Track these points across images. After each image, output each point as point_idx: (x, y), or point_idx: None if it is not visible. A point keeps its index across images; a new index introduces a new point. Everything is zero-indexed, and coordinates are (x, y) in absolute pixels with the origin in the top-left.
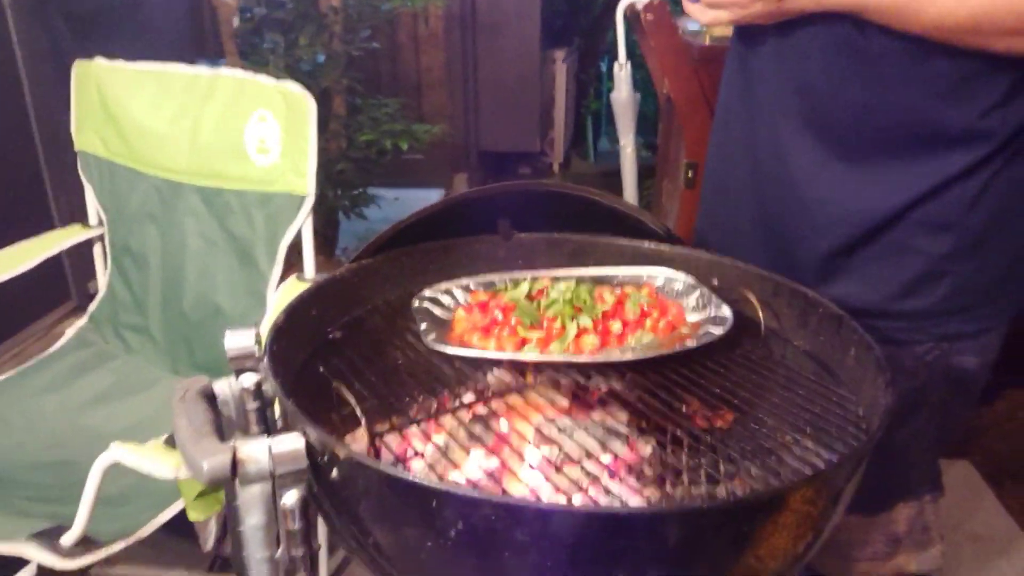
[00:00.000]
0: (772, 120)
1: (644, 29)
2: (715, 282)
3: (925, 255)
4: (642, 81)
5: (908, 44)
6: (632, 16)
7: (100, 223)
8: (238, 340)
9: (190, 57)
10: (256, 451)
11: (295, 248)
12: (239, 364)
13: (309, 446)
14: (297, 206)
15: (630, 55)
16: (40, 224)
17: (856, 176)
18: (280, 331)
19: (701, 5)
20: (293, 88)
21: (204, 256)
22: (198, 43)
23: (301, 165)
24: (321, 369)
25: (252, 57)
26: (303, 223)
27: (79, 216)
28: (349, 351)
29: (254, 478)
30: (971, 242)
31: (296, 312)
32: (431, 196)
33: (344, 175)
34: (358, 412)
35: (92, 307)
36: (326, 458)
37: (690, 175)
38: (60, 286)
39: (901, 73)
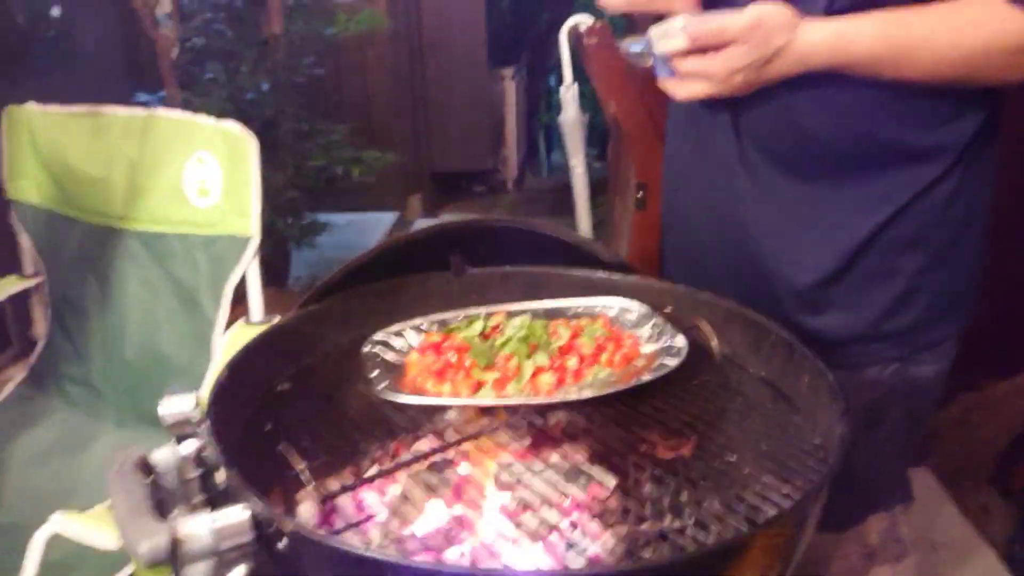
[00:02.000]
0: (729, 164)
1: (587, 51)
2: (668, 310)
3: (903, 274)
4: (591, 100)
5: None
6: (576, 37)
7: (36, 273)
8: (176, 405)
9: (128, 89)
10: (197, 528)
11: (243, 289)
12: (179, 430)
13: (255, 518)
14: (242, 248)
15: (578, 74)
16: None
17: (828, 206)
18: (223, 389)
19: (675, 80)
20: (233, 128)
21: (146, 303)
22: (136, 75)
23: (244, 206)
24: (268, 427)
25: (193, 88)
26: (248, 265)
27: (16, 266)
28: (298, 403)
29: (196, 556)
30: (941, 254)
31: (240, 366)
32: (385, 219)
33: (293, 203)
34: (304, 478)
35: (32, 360)
36: (273, 530)
37: (640, 195)
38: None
39: (856, 99)
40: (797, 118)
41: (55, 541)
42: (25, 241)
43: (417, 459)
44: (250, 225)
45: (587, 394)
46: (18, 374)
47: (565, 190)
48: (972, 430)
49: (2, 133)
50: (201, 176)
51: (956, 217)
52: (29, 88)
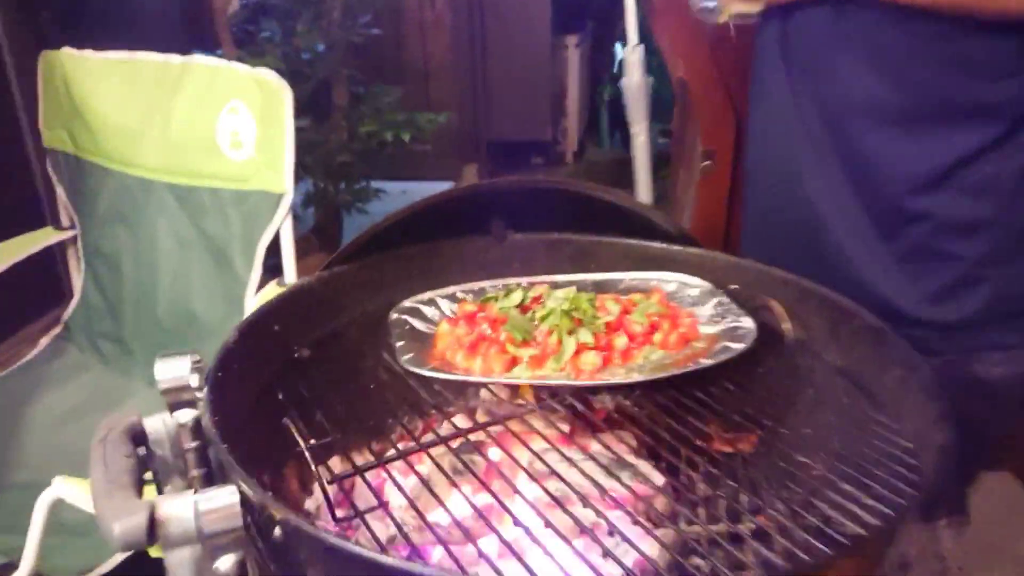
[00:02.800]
0: (789, 129)
1: (655, 7)
2: (734, 287)
3: (959, 260)
4: (656, 66)
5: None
6: None
7: (72, 225)
8: (171, 369)
9: (185, 48)
10: (179, 509)
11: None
12: (174, 397)
13: (245, 501)
14: (274, 205)
15: (643, 38)
16: (35, 224)
17: (882, 178)
18: (229, 354)
19: None
20: (268, 76)
21: (178, 259)
22: (192, 33)
23: (277, 161)
24: (280, 396)
25: (249, 47)
26: (282, 223)
27: (55, 218)
28: (317, 373)
29: (179, 541)
30: (1010, 243)
31: (253, 329)
32: (439, 189)
33: (346, 168)
34: (307, 457)
35: (66, 314)
36: (265, 516)
37: (706, 164)
38: (56, 288)
39: (907, 52)
40: (851, 77)
41: (66, 504)
42: (60, 192)
43: (441, 440)
44: (283, 181)
45: (636, 378)
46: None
47: (625, 164)
48: None
49: (39, 80)
50: (234, 127)
51: None
52: (87, 40)
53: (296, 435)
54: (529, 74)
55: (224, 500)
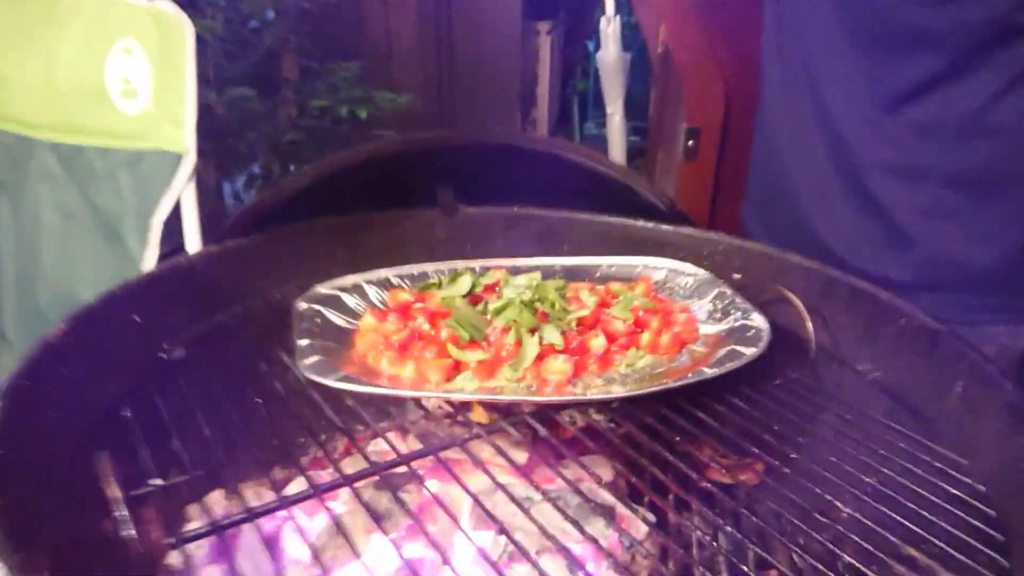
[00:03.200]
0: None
1: None
2: (738, 277)
3: (898, 211)
4: (635, 50)
5: None
6: None
7: None
8: None
9: None
10: None
11: None
12: None
13: None
14: (173, 167)
15: (619, 10)
16: None
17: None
18: (49, 356)
19: None
20: (166, 8)
21: (62, 234)
22: None
23: (177, 113)
24: (127, 413)
25: (188, 11)
26: (183, 191)
27: None
28: (197, 379)
29: None
30: (947, 198)
31: (97, 319)
32: None
33: (295, 148)
34: (118, 518)
35: None
36: None
37: (691, 144)
38: None
39: None
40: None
41: None
42: None
43: (345, 482)
44: (183, 138)
45: (618, 392)
46: None
47: None
48: None
49: None
50: (127, 72)
51: None
52: None
53: (108, 483)
54: (499, 57)
55: None
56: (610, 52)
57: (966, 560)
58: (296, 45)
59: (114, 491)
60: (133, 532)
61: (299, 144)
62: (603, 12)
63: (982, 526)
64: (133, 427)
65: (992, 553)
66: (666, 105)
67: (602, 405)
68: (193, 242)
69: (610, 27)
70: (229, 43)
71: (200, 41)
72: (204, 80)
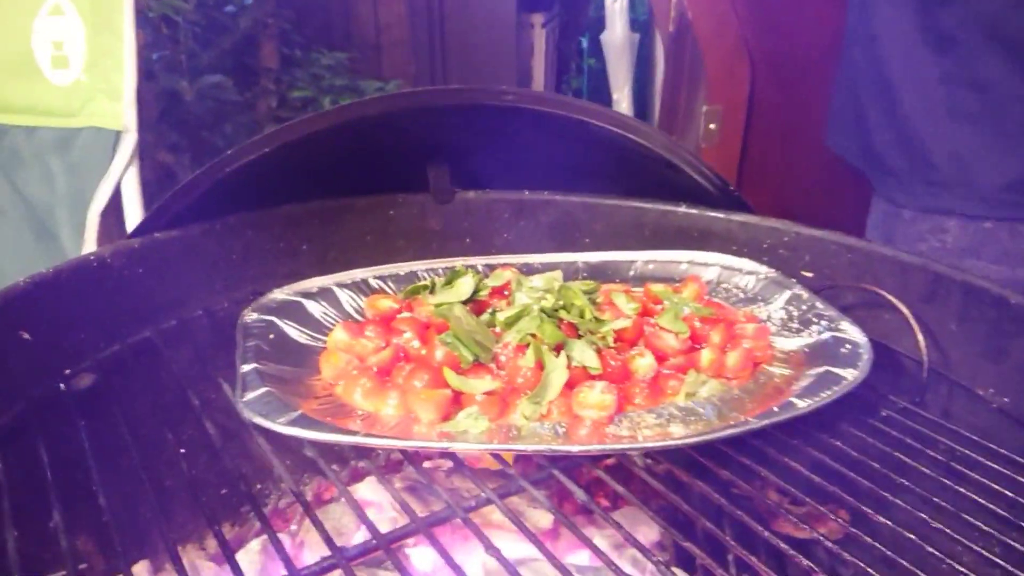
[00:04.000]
0: None
1: None
2: (808, 275)
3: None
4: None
5: None
6: None
7: None
8: None
9: None
10: None
11: None
12: None
13: None
14: (110, 148)
15: None
16: None
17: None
18: None
19: None
20: None
21: None
22: None
23: (115, 83)
24: None
25: None
26: (121, 174)
27: None
28: (92, 423)
29: None
30: None
31: None
32: None
33: None
34: None
35: None
36: None
37: (712, 127)
38: None
39: None
40: None
41: None
42: None
43: (329, 564)
44: (122, 113)
45: (679, 434)
46: None
47: None
48: None
49: None
50: (57, 35)
51: None
52: None
53: None
54: (492, 51)
55: None
56: (617, 32)
57: None
58: (276, 31)
59: None
60: None
61: None
62: (596, 11)
63: None
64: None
65: None
66: (679, 87)
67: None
68: (132, 225)
69: (616, 3)
70: (202, 27)
71: (170, 24)
72: (175, 67)
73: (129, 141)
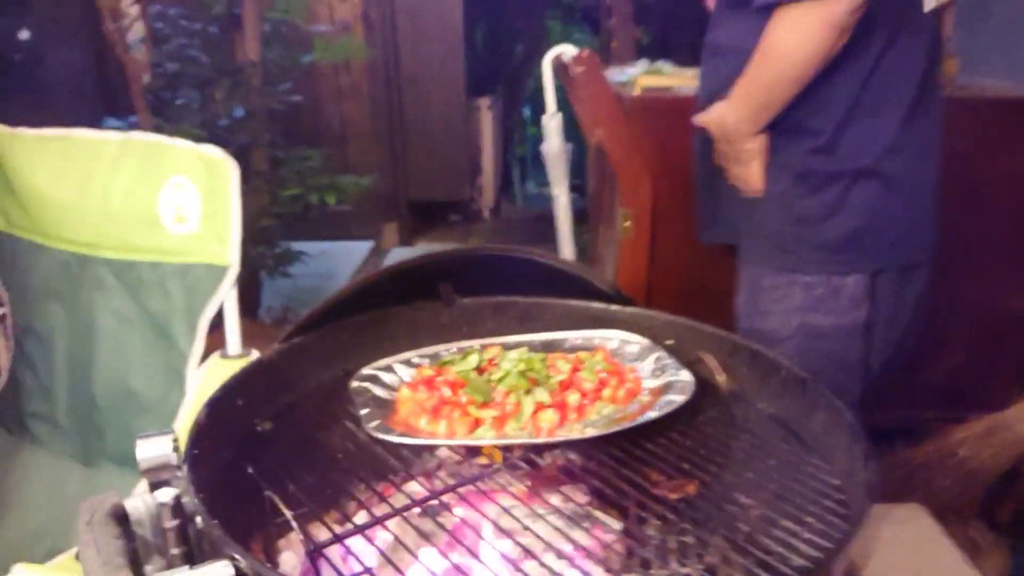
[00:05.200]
0: None
1: (573, 80)
2: (671, 343)
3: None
4: (571, 130)
5: None
6: (559, 67)
7: (0, 303)
8: (152, 448)
9: (98, 115)
10: None
11: (218, 320)
12: (154, 476)
13: (240, 574)
14: (218, 277)
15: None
16: None
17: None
18: (201, 431)
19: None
20: (213, 152)
21: (116, 335)
22: (106, 101)
23: (223, 233)
24: (250, 469)
25: (165, 114)
26: (226, 295)
27: None
28: (280, 445)
29: None
30: None
31: (219, 405)
32: (360, 248)
33: (267, 232)
34: (294, 527)
35: None
36: None
37: (626, 225)
38: None
39: None
40: None
41: None
42: None
43: (410, 505)
44: (228, 254)
45: (591, 433)
46: None
47: (540, 219)
48: (960, 464)
49: None
50: (178, 202)
51: None
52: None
53: (282, 507)
54: (445, 135)
55: (219, 574)
56: (554, 144)
57: (828, 530)
58: (266, 139)
59: (287, 512)
60: (302, 536)
61: (270, 229)
62: (535, 83)
63: (836, 507)
64: (255, 476)
65: (842, 524)
66: (603, 188)
67: (579, 444)
68: (233, 335)
69: (552, 122)
70: (205, 142)
71: None
72: None
73: (232, 273)
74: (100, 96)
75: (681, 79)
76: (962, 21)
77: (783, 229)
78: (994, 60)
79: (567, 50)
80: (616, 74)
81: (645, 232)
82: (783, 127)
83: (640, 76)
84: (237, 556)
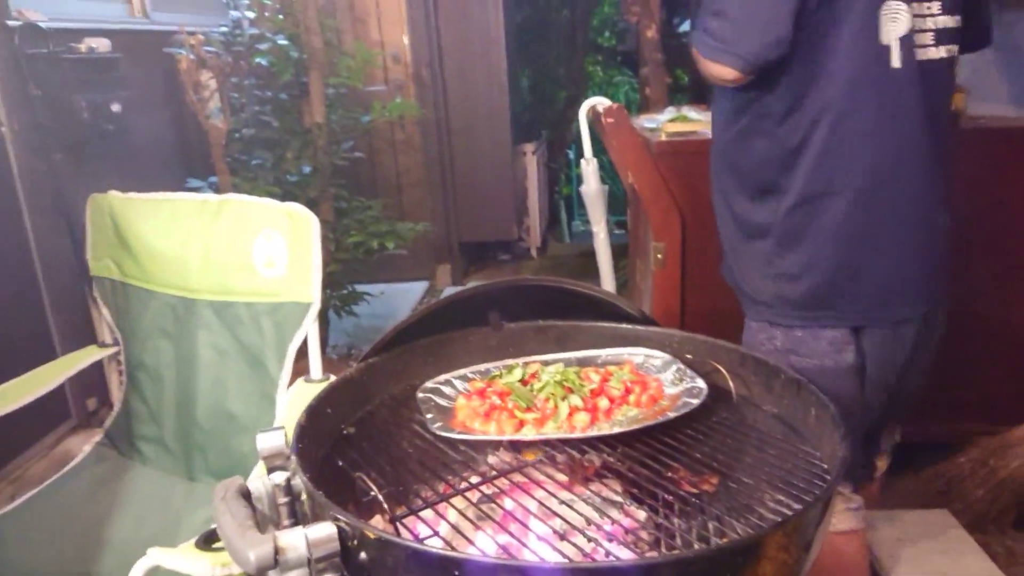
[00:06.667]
0: None
1: (606, 130)
2: (688, 357)
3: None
4: (609, 170)
5: None
6: (594, 116)
7: (115, 342)
8: (270, 440)
9: (181, 177)
10: (294, 539)
11: (299, 351)
12: (270, 463)
13: (340, 531)
14: (304, 313)
15: (596, 148)
16: (39, 348)
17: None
18: (304, 431)
19: None
20: (298, 209)
21: (216, 366)
22: (187, 163)
23: (306, 276)
24: (340, 463)
25: (242, 173)
26: (309, 328)
27: (79, 338)
28: (363, 444)
29: (294, 564)
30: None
31: (315, 412)
32: (416, 288)
33: (334, 276)
34: (380, 497)
35: (108, 422)
36: (356, 541)
37: (659, 256)
38: (59, 405)
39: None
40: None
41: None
42: (105, 313)
43: (469, 488)
44: (311, 292)
45: (617, 430)
46: (76, 444)
47: (586, 255)
48: (992, 473)
49: (87, 218)
50: (268, 251)
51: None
52: (92, 177)
53: (371, 485)
54: (493, 180)
55: (326, 531)
56: (591, 186)
57: (808, 492)
58: (331, 193)
59: (375, 490)
60: (387, 507)
61: (335, 273)
62: (578, 127)
63: (820, 482)
64: (344, 467)
65: (818, 492)
66: (639, 223)
67: (611, 443)
68: (316, 361)
69: (589, 166)
70: (279, 197)
71: None
72: None
73: (315, 308)
74: (182, 159)
75: (706, 123)
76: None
77: (762, 283)
78: (998, 90)
79: (600, 101)
80: (647, 121)
81: (676, 263)
82: (753, 188)
83: (666, 123)
84: (339, 516)
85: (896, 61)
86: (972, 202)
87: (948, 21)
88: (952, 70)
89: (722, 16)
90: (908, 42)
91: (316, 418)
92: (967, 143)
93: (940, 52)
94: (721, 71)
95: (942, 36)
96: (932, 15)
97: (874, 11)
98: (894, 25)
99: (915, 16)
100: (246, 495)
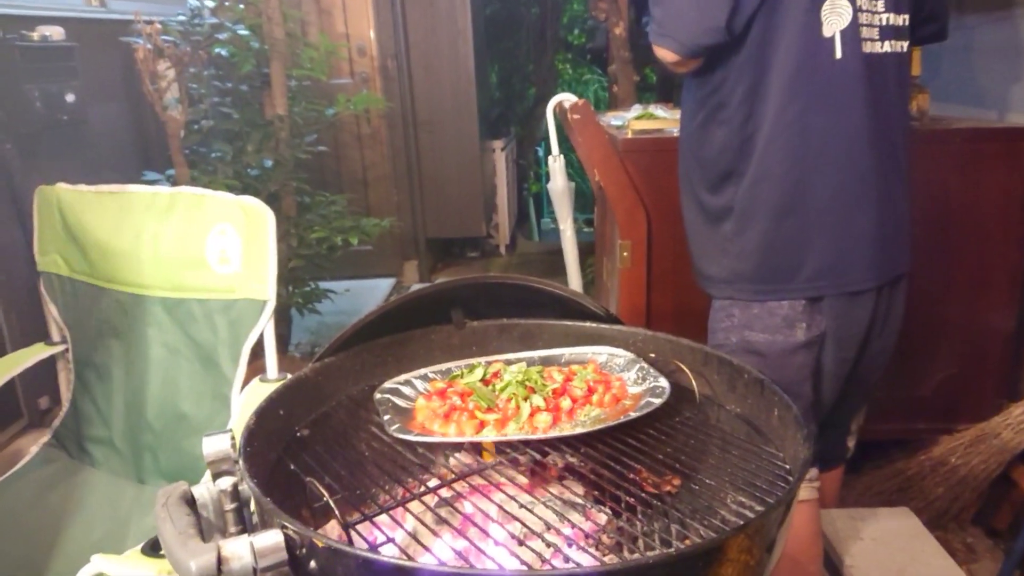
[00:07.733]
0: None
1: (572, 126)
2: (652, 356)
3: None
4: (577, 168)
5: None
6: (561, 113)
7: (63, 340)
8: (215, 444)
9: (137, 168)
10: (239, 548)
11: (256, 350)
12: (216, 468)
13: (288, 540)
14: (259, 310)
15: (563, 145)
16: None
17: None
18: (252, 433)
19: None
20: (252, 202)
21: (167, 365)
22: (144, 155)
23: (261, 272)
24: (292, 466)
25: (200, 166)
26: (265, 326)
27: (30, 334)
28: (317, 446)
29: (239, 575)
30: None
31: (265, 414)
32: (381, 285)
33: (296, 272)
34: (331, 504)
35: (56, 423)
36: (304, 550)
37: (625, 255)
38: (10, 404)
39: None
40: None
41: None
42: (52, 310)
43: (427, 491)
44: (267, 289)
45: (580, 431)
46: (27, 443)
47: (555, 254)
48: (951, 472)
49: (34, 211)
50: (222, 246)
51: None
52: (45, 168)
53: (321, 490)
54: (461, 176)
55: (272, 539)
56: (558, 183)
57: (770, 493)
58: (293, 187)
59: (326, 495)
60: (338, 514)
61: (298, 270)
62: (548, 129)
63: (783, 484)
64: (296, 471)
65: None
66: (605, 221)
67: (573, 443)
68: (272, 360)
69: (556, 163)
70: (239, 191)
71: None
72: None
73: (270, 306)
74: (139, 151)
75: (672, 121)
76: (927, 53)
77: (722, 263)
78: (962, 92)
79: (567, 98)
80: (613, 118)
81: (641, 262)
82: (715, 175)
83: (632, 120)
84: (287, 524)
85: (838, 53)
86: (934, 202)
87: (894, 19)
88: (903, 67)
89: (664, 4)
90: (851, 35)
91: (267, 420)
92: (930, 144)
93: (884, 47)
94: (664, 54)
95: (886, 32)
96: (876, 11)
97: (817, 7)
98: (836, 19)
99: (859, 11)
100: (190, 501)
